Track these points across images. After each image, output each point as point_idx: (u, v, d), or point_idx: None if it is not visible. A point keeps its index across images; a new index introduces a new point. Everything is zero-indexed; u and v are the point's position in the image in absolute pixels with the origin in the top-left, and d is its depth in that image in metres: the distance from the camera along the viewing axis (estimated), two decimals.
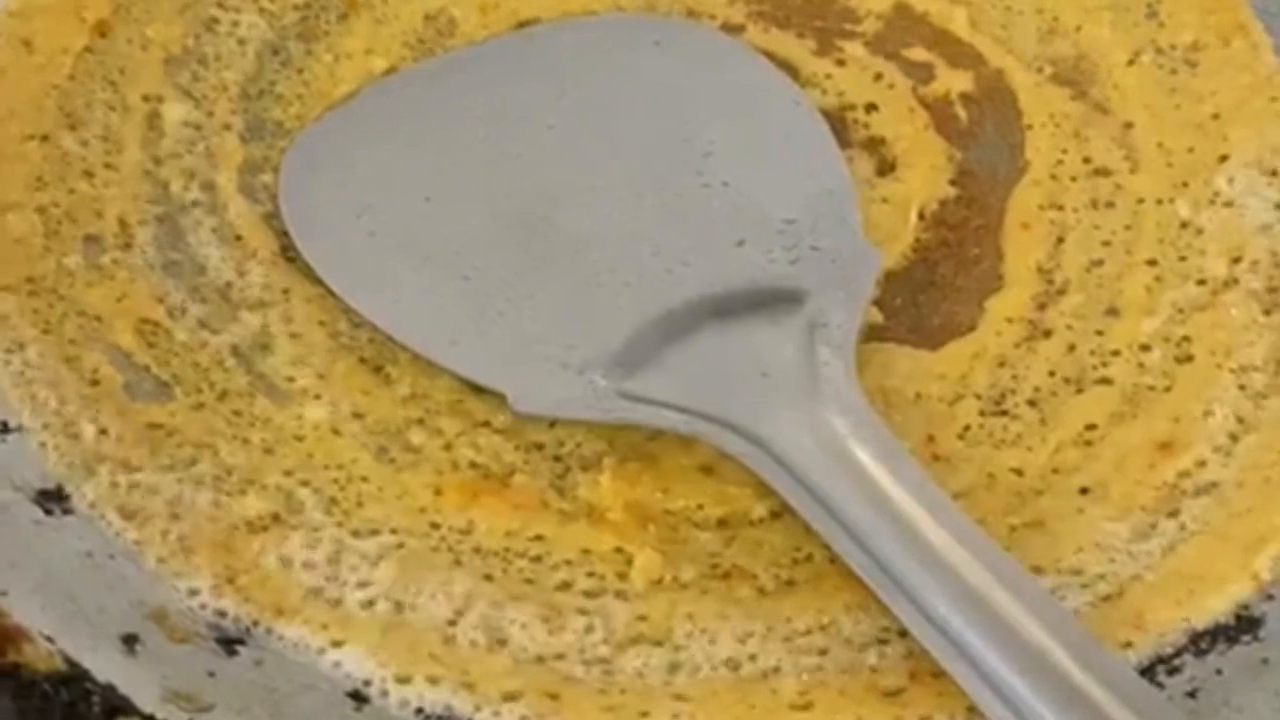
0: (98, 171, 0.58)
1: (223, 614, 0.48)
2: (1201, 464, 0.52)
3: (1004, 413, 0.54)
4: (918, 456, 0.52)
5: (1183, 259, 0.57)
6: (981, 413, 0.54)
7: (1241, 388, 0.54)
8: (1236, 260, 0.57)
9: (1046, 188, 0.59)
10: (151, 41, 0.61)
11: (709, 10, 0.65)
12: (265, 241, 0.57)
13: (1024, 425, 0.54)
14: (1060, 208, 0.59)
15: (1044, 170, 0.60)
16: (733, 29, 0.64)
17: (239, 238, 0.57)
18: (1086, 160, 0.60)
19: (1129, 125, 0.61)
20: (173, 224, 0.57)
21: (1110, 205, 0.59)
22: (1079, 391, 0.54)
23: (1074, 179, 0.59)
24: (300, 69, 0.62)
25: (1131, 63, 0.62)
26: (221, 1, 0.63)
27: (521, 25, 0.64)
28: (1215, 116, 0.60)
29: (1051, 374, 0.55)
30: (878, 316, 0.56)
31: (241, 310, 0.55)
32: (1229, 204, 0.58)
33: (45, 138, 0.58)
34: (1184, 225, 0.58)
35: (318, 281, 0.56)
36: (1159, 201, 0.58)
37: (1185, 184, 0.59)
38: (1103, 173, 0.60)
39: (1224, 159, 0.59)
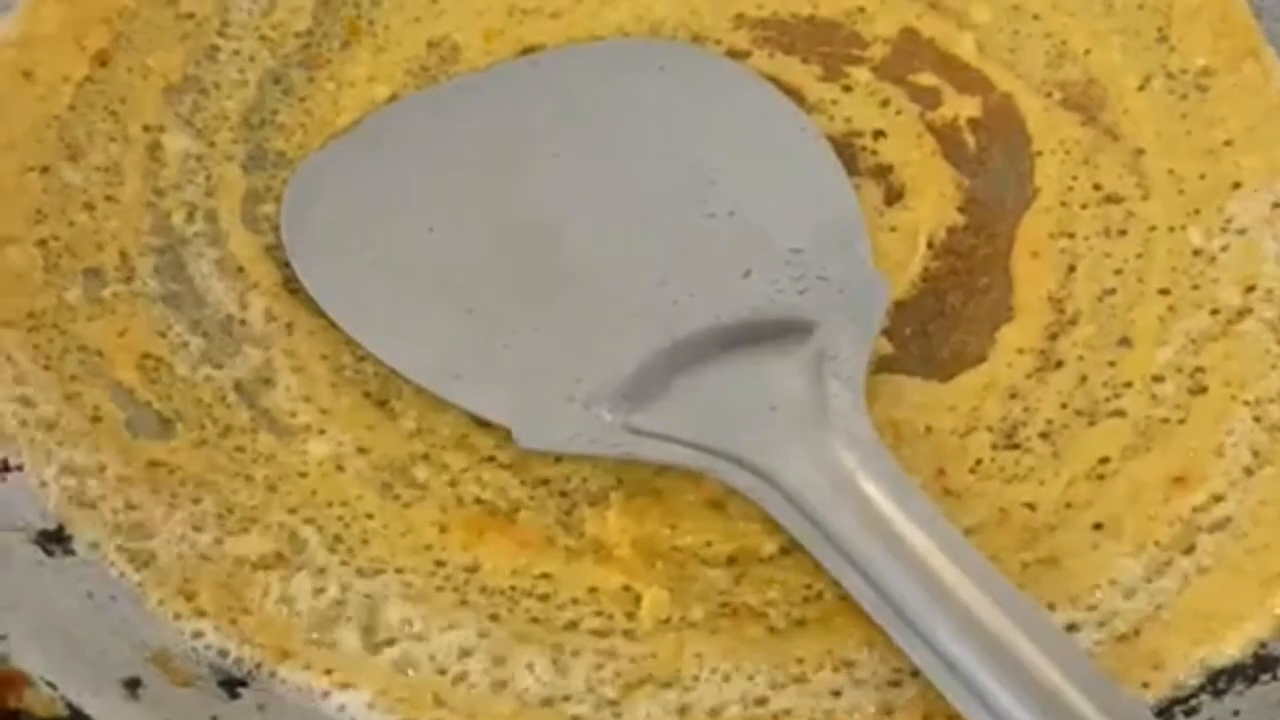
0: (98, 204, 0.57)
1: (225, 656, 0.48)
2: (1217, 498, 0.51)
3: (1016, 446, 0.53)
4: (928, 491, 0.51)
5: (1196, 288, 0.56)
6: (993, 446, 0.53)
7: (1257, 419, 0.53)
8: (1250, 289, 0.56)
9: (1056, 215, 0.59)
10: (152, 71, 0.60)
11: (714, 35, 0.64)
12: (267, 273, 0.57)
13: (1036, 459, 0.53)
14: (1071, 235, 0.58)
15: (1054, 197, 0.59)
16: (738, 54, 0.63)
17: (241, 269, 0.56)
18: (1097, 187, 0.59)
19: (1140, 151, 0.60)
20: (174, 256, 0.57)
21: (1122, 233, 0.58)
22: (1091, 424, 0.53)
23: (1084, 206, 0.59)
24: (302, 97, 0.61)
25: (1142, 88, 0.61)
26: (223, 30, 0.62)
27: (525, 51, 0.63)
28: (1227, 143, 0.59)
29: (1064, 406, 0.54)
30: (887, 347, 0.55)
31: (244, 344, 0.55)
32: (1242, 231, 0.57)
33: (45, 169, 0.57)
34: (1197, 253, 0.57)
35: (321, 314, 0.56)
36: (1171, 229, 0.58)
37: (1197, 211, 0.58)
38: (1114, 200, 0.59)
39: (1237, 185, 0.58)
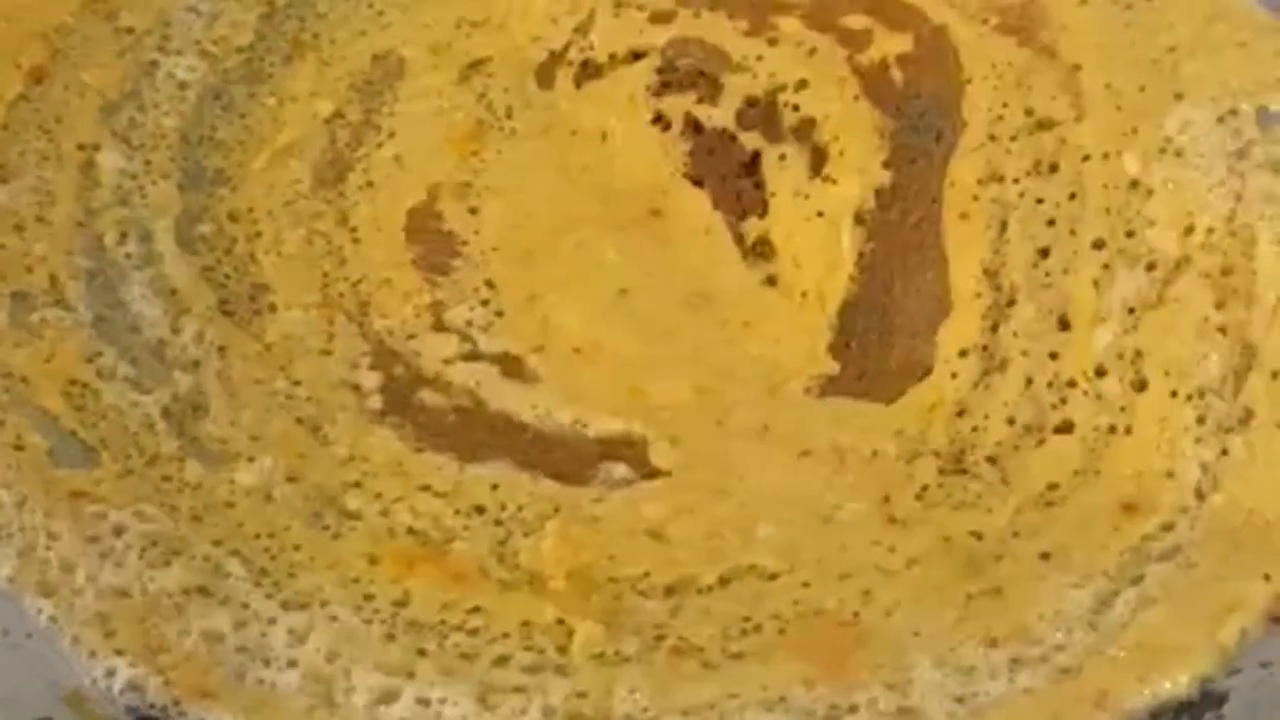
0: (29, 225, 0.55)
1: (142, 695, 0.45)
2: (1167, 527, 0.48)
3: (964, 471, 0.51)
4: (873, 519, 0.49)
5: (1130, 234, 0.52)
6: (940, 471, 0.51)
7: (1200, 421, 0.50)
8: (1189, 230, 0.52)
9: (985, 153, 0.54)
10: (89, 87, 0.58)
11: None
12: (202, 295, 0.54)
13: (984, 485, 0.50)
14: (1000, 179, 0.54)
15: (982, 130, 0.55)
16: (663, 16, 0.60)
17: (174, 292, 0.54)
18: (1029, 113, 0.55)
19: (1077, 68, 0.55)
20: (105, 279, 0.54)
21: (1053, 168, 0.54)
22: (1040, 443, 0.51)
23: (1014, 138, 0.54)
24: (242, 113, 0.59)
25: (1084, 2, 0.57)
26: (163, 45, 0.60)
27: (473, 65, 0.62)
28: (1171, 49, 0.55)
29: (1011, 421, 0.51)
30: (833, 366, 0.53)
31: (174, 369, 0.52)
32: (1179, 154, 0.53)
33: None
34: (1133, 185, 0.53)
35: (255, 337, 0.54)
36: (1105, 155, 0.53)
37: (1135, 130, 0.53)
38: (1045, 125, 0.54)
39: (1179, 97, 0.53)
